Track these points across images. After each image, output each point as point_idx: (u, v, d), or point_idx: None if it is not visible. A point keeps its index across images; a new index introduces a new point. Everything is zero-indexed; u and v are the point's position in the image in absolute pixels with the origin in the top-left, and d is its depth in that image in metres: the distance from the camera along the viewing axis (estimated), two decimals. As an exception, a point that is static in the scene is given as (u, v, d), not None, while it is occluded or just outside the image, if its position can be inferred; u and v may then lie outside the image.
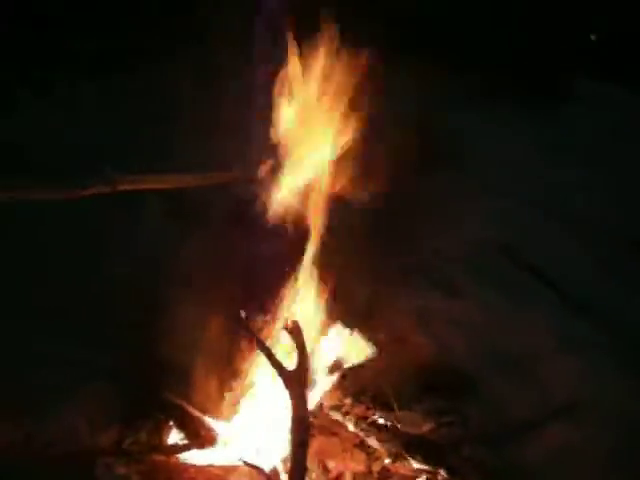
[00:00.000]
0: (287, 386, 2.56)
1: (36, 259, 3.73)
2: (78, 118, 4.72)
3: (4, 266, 3.59)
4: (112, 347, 3.23)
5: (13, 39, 5.08)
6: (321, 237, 2.86)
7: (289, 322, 2.65)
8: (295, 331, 2.63)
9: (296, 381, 2.55)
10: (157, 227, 4.05)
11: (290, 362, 2.64)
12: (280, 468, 2.77)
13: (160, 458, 2.88)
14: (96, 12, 5.21)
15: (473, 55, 5.32)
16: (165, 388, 3.01)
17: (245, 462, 2.58)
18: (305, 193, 2.79)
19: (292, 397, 2.54)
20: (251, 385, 2.88)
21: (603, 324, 3.77)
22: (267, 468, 2.69)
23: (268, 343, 2.67)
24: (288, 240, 2.72)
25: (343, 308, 3.17)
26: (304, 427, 2.50)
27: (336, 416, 3.14)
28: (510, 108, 5.15)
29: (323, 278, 2.95)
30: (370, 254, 3.64)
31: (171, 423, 3.01)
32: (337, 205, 2.90)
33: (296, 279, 2.75)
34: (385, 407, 3.21)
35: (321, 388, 3.02)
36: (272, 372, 2.64)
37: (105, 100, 4.92)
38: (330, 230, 2.92)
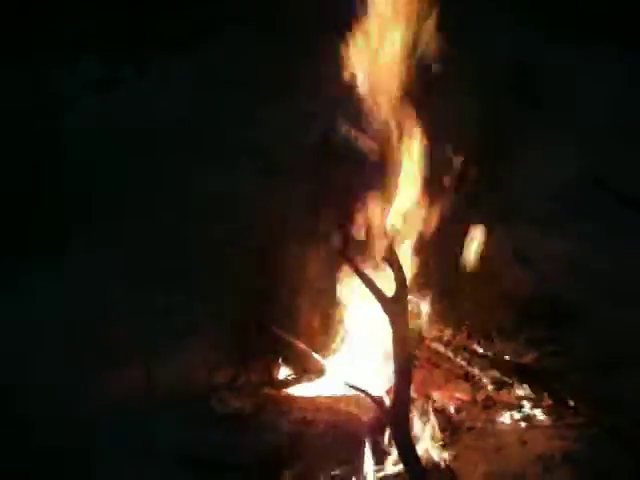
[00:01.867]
0: (387, 312, 2.64)
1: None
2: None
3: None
4: (224, 294, 3.41)
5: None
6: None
7: (386, 249, 2.72)
8: (392, 258, 2.69)
9: (396, 307, 2.63)
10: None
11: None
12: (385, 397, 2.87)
13: (271, 392, 3.04)
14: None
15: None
16: (274, 325, 3.17)
17: (352, 386, 2.68)
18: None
19: (393, 323, 2.62)
20: (353, 317, 2.99)
21: None
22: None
23: (368, 271, 2.75)
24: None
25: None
26: (406, 352, 2.58)
27: (438, 347, 3.20)
28: (605, 44, 5.00)
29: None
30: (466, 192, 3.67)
31: (280, 360, 3.17)
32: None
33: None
34: (486, 337, 3.25)
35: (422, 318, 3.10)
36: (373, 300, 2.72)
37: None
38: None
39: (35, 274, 3.66)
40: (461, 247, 3.44)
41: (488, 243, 3.57)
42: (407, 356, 2.61)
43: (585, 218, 3.87)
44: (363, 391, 2.64)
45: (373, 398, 2.62)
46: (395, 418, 2.53)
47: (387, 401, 2.82)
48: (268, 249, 3.30)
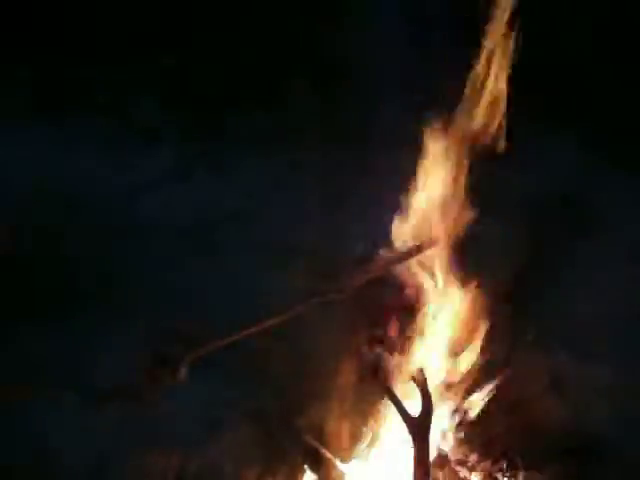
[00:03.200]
0: (411, 431, 2.70)
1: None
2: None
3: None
4: (256, 391, 3.51)
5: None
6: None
7: (415, 370, 2.80)
8: (420, 379, 2.77)
9: (419, 427, 2.69)
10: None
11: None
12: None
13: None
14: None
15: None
16: (303, 432, 3.24)
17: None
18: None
19: (415, 442, 2.68)
20: (380, 433, 3.05)
21: None
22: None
23: (396, 390, 2.83)
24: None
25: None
26: (425, 471, 2.62)
27: (462, 472, 3.20)
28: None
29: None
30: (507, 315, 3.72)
31: (306, 466, 3.23)
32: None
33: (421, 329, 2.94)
34: (512, 465, 3.23)
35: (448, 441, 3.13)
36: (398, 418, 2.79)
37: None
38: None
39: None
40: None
41: (525, 369, 3.63)
42: (425, 473, 2.65)
43: (630, 351, 3.84)
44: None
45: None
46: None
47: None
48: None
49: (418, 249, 3.05)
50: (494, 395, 3.36)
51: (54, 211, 4.80)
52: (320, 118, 5.42)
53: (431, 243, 3.05)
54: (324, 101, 5.59)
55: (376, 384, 2.89)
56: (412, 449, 2.73)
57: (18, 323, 3.89)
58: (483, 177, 3.15)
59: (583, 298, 4.13)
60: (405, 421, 2.73)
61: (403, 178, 3.13)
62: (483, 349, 3.15)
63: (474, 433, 3.28)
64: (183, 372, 2.68)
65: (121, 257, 4.52)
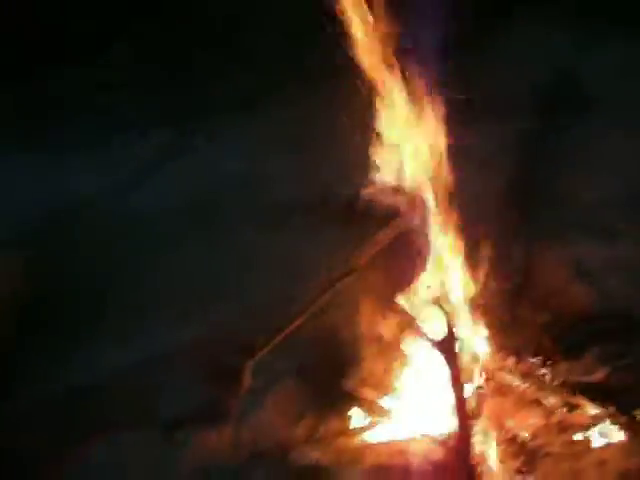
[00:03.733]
0: (439, 353, 2.75)
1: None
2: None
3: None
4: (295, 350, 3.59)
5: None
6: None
7: (435, 294, 2.84)
8: (438, 302, 2.81)
9: (446, 348, 2.74)
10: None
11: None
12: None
13: (348, 440, 3.17)
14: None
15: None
16: (344, 377, 3.31)
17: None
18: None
19: (446, 362, 2.73)
20: (412, 361, 3.10)
21: None
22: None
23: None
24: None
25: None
26: (460, 389, 2.68)
27: (504, 377, 3.23)
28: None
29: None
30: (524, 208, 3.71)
31: (353, 409, 3.30)
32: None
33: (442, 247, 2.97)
34: (553, 359, 3.26)
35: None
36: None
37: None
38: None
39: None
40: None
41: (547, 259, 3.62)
42: (461, 393, 2.70)
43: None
44: (427, 435, 2.75)
45: (437, 440, 2.72)
46: (460, 454, 2.62)
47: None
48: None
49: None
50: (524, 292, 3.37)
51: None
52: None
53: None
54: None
55: (400, 316, 2.92)
56: (445, 370, 2.77)
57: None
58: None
59: (590, 183, 4.07)
60: (433, 345, 2.78)
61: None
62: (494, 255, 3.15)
63: (509, 336, 3.29)
64: (248, 379, 2.75)
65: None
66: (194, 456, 3.19)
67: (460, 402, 2.67)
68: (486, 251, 3.32)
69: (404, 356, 3.11)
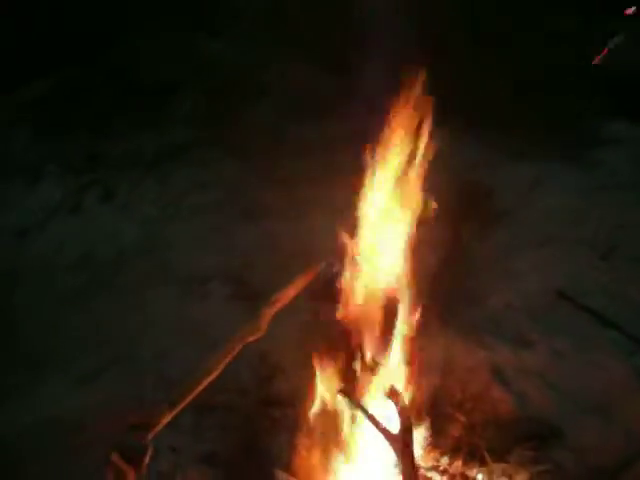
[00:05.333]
0: (394, 448, 2.65)
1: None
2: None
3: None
4: (209, 430, 3.34)
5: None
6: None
7: (388, 387, 2.74)
8: (395, 395, 2.72)
9: (402, 443, 2.64)
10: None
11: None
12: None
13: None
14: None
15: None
16: (269, 465, 3.11)
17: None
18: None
19: (400, 458, 2.63)
20: (354, 454, 2.97)
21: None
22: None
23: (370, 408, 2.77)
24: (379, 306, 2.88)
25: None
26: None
27: (434, 477, 3.19)
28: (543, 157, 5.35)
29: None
30: (438, 312, 3.78)
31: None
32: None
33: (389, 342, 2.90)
34: (481, 462, 3.27)
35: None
36: (377, 437, 2.73)
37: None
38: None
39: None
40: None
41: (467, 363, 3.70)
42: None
43: (554, 332, 3.99)
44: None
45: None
46: None
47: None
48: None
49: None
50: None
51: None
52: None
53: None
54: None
55: (351, 403, 2.80)
56: (398, 465, 2.68)
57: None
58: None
59: (505, 289, 4.27)
60: (387, 439, 2.67)
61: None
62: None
63: (441, 436, 3.28)
64: (150, 456, 2.49)
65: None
66: None
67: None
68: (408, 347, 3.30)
69: (343, 444, 2.97)
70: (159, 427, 2.62)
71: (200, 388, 2.76)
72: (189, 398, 2.73)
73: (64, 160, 5.46)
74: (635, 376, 3.73)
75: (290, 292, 3.21)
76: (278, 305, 3.14)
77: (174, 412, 2.68)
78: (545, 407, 3.58)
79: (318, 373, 2.87)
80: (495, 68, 5.74)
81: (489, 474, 3.23)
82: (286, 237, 4.50)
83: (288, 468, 3.08)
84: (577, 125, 5.66)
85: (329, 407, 2.91)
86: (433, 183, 3.07)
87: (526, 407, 3.58)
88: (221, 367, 2.82)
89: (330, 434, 2.98)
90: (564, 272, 4.39)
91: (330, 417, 2.95)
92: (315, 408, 2.94)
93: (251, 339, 3.00)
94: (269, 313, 3.07)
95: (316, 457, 2.99)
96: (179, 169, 5.36)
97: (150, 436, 2.59)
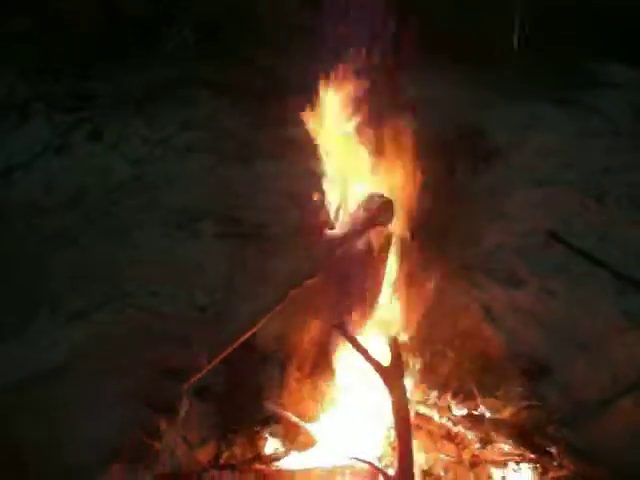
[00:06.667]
0: (385, 381, 2.67)
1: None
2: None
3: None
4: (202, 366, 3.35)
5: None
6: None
7: (380, 321, 2.77)
8: (386, 329, 2.75)
9: (393, 375, 2.67)
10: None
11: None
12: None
13: (262, 467, 2.98)
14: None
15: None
16: (260, 398, 3.13)
17: (356, 458, 2.68)
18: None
19: (391, 391, 2.65)
20: (342, 385, 3.00)
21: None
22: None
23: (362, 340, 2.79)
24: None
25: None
26: (406, 419, 2.62)
27: (423, 410, 3.23)
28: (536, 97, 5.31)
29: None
30: (430, 254, 3.77)
31: (266, 434, 3.13)
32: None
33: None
34: (468, 397, 3.31)
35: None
36: (369, 370, 2.75)
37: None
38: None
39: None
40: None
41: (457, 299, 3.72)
42: (407, 423, 2.64)
43: (545, 271, 4.02)
44: (368, 463, 2.64)
45: (379, 469, 2.63)
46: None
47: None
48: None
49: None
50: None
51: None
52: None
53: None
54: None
55: (342, 337, 2.81)
56: (389, 398, 2.70)
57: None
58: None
59: (495, 228, 4.27)
60: (377, 371, 2.69)
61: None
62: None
63: (430, 372, 3.32)
64: (185, 407, 2.49)
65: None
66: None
67: (404, 433, 2.59)
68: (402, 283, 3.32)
69: (334, 378, 3.00)
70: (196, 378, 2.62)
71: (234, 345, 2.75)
72: (227, 352, 2.73)
73: (51, 99, 5.35)
74: (623, 315, 3.77)
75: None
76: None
77: (211, 365, 2.69)
78: (533, 345, 3.62)
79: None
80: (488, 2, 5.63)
81: (478, 408, 3.28)
82: (275, 178, 4.46)
83: (278, 401, 3.12)
84: (574, 67, 5.59)
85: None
86: (423, 121, 3.06)
87: (515, 344, 3.62)
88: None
89: (320, 367, 3.01)
90: (555, 213, 4.40)
91: (321, 350, 2.97)
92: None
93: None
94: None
95: (306, 390, 3.02)
96: (168, 109, 5.27)
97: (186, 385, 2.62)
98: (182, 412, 2.57)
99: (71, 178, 4.75)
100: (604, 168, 4.91)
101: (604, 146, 5.15)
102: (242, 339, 2.74)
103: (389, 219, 3.01)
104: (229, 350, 2.71)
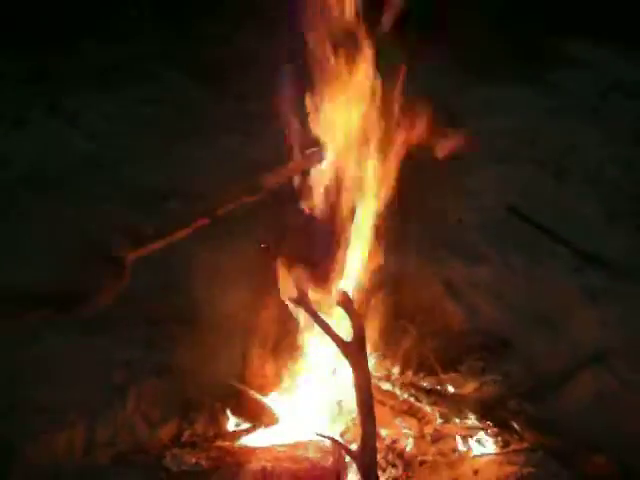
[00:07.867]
0: (347, 356, 2.66)
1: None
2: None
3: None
4: (162, 343, 3.32)
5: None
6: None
7: (340, 294, 2.73)
8: (346, 303, 2.72)
9: (355, 351, 2.66)
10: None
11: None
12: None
13: (225, 444, 2.97)
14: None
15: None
16: (219, 375, 3.11)
17: (318, 434, 2.68)
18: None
19: (353, 366, 2.65)
20: (304, 361, 3.00)
21: (618, 273, 3.95)
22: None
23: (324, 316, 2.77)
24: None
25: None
26: (369, 395, 2.62)
27: (385, 386, 3.25)
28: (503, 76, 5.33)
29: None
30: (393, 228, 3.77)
31: (228, 411, 3.11)
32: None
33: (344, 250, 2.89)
34: (430, 372, 3.34)
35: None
36: (330, 345, 2.74)
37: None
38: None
39: None
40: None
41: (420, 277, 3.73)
42: (370, 399, 2.64)
43: (505, 247, 4.05)
44: (331, 438, 2.65)
45: (341, 445, 2.63)
46: (365, 462, 2.55)
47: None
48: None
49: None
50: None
51: None
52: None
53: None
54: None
55: (303, 311, 2.79)
56: (351, 374, 2.69)
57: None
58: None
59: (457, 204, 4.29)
60: (339, 346, 2.68)
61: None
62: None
63: (390, 348, 3.33)
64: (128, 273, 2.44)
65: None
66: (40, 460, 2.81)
67: (366, 409, 2.59)
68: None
69: (296, 354, 2.99)
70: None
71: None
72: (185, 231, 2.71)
73: (6, 73, 5.20)
74: (581, 290, 3.82)
75: (285, 171, 3.23)
76: (275, 178, 3.20)
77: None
78: (495, 319, 3.66)
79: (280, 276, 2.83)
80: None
81: (439, 383, 3.30)
82: (239, 152, 4.41)
83: (241, 378, 3.11)
84: (540, 45, 5.62)
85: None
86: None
87: (476, 319, 3.66)
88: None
89: (283, 344, 3.00)
90: (517, 190, 4.44)
91: (283, 326, 2.96)
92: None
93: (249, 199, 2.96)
94: (269, 180, 3.04)
95: (268, 366, 3.01)
96: (128, 83, 5.18)
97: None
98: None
99: (29, 153, 4.63)
100: (565, 145, 4.96)
101: (565, 124, 5.19)
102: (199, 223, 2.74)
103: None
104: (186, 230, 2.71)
